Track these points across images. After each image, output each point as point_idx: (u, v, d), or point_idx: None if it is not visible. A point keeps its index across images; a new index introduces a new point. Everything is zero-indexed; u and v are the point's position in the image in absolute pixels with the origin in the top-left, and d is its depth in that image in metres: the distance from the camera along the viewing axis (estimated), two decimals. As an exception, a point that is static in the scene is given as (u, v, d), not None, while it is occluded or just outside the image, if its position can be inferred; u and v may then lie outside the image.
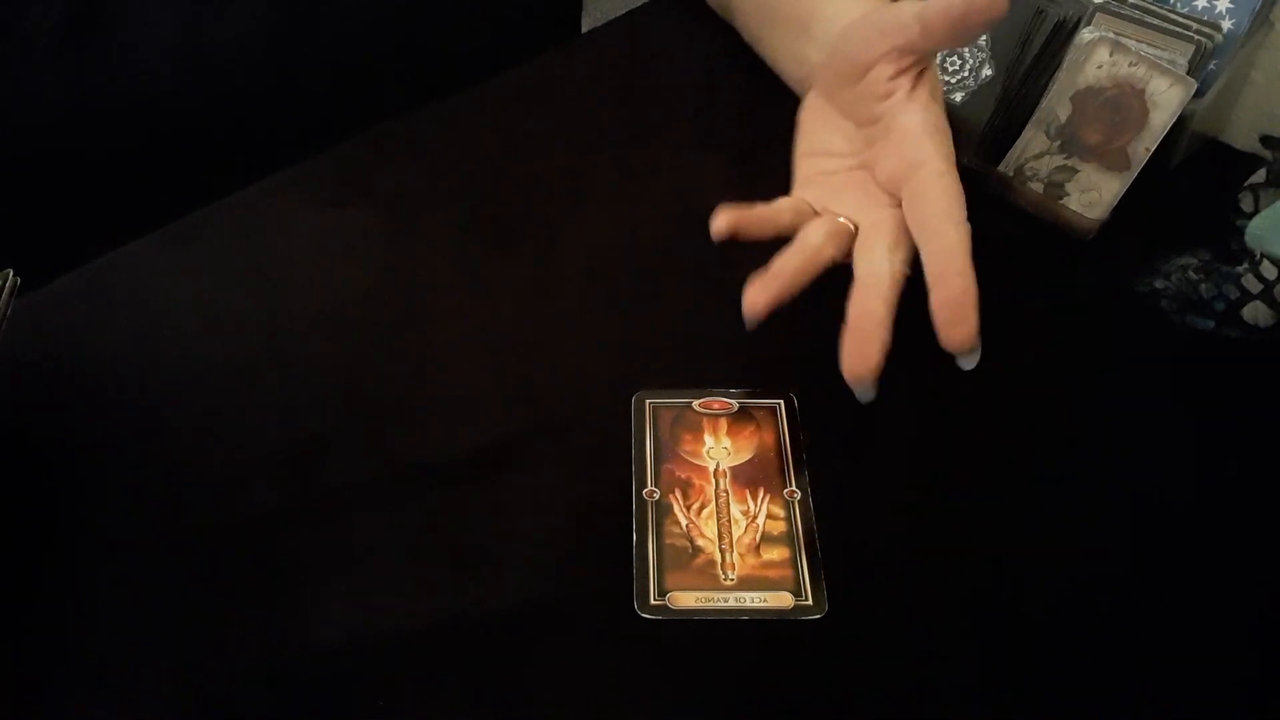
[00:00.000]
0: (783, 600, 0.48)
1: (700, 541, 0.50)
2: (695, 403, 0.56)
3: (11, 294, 0.48)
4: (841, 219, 0.56)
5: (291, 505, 0.51)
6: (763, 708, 0.46)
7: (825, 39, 0.61)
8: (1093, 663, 0.47)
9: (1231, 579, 0.50)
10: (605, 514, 0.51)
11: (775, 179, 0.61)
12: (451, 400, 0.56)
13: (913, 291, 0.63)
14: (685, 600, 0.48)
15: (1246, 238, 0.60)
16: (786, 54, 0.67)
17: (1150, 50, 0.63)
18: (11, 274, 0.48)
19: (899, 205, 0.55)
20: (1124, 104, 0.63)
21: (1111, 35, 0.64)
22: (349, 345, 0.58)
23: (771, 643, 0.47)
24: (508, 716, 0.45)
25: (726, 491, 0.52)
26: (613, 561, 0.49)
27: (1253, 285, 0.58)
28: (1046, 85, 0.65)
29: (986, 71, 0.66)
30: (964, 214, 0.53)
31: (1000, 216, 0.66)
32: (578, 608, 0.48)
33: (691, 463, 0.53)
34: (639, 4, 0.82)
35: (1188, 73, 0.62)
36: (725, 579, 0.49)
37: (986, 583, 0.50)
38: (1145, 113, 0.63)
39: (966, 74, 0.67)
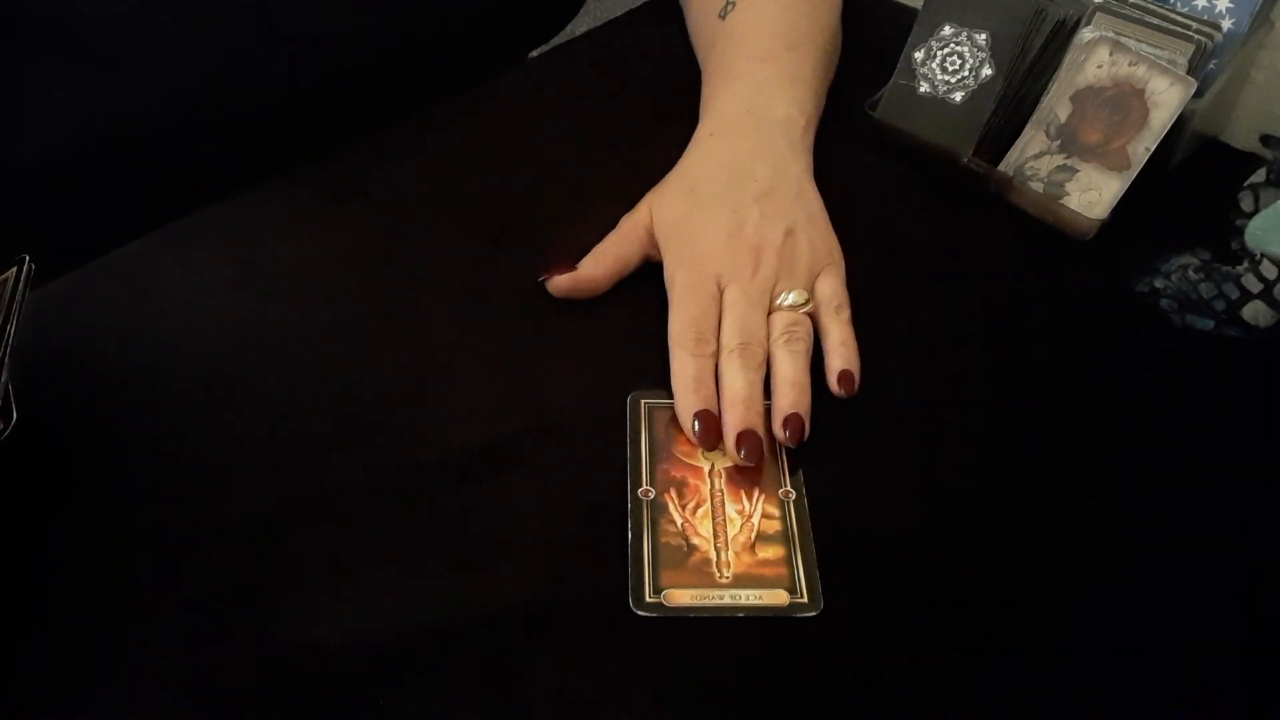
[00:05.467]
0: (778, 597, 0.48)
1: (695, 540, 0.50)
2: None
3: (28, 280, 0.49)
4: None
5: (291, 505, 0.51)
6: (759, 705, 0.46)
7: None
8: (1090, 661, 0.47)
9: (1232, 578, 0.50)
10: (602, 513, 0.51)
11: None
12: (450, 400, 0.56)
13: (909, 292, 0.63)
14: (681, 598, 0.48)
15: (1246, 237, 0.60)
16: None
17: (1150, 50, 0.63)
18: (27, 260, 0.49)
19: None
20: (1124, 104, 0.63)
21: (1111, 35, 0.63)
22: (348, 345, 0.59)
23: (767, 640, 0.47)
24: (506, 715, 0.45)
25: (721, 491, 0.52)
26: (609, 560, 0.49)
27: (1253, 285, 0.58)
28: (1046, 85, 0.65)
29: (986, 71, 0.66)
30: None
31: (1000, 216, 0.66)
32: (575, 606, 0.48)
33: (687, 463, 0.53)
34: (637, 4, 0.82)
35: (1188, 72, 0.62)
36: (720, 577, 0.49)
37: (982, 580, 0.50)
38: (1145, 112, 0.63)
39: (966, 74, 0.66)
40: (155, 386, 0.56)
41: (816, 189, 0.64)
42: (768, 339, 0.57)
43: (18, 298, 0.49)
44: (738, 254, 0.59)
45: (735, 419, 0.53)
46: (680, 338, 0.56)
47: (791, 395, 0.54)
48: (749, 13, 0.70)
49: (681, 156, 0.65)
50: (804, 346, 0.57)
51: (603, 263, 0.61)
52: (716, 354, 0.56)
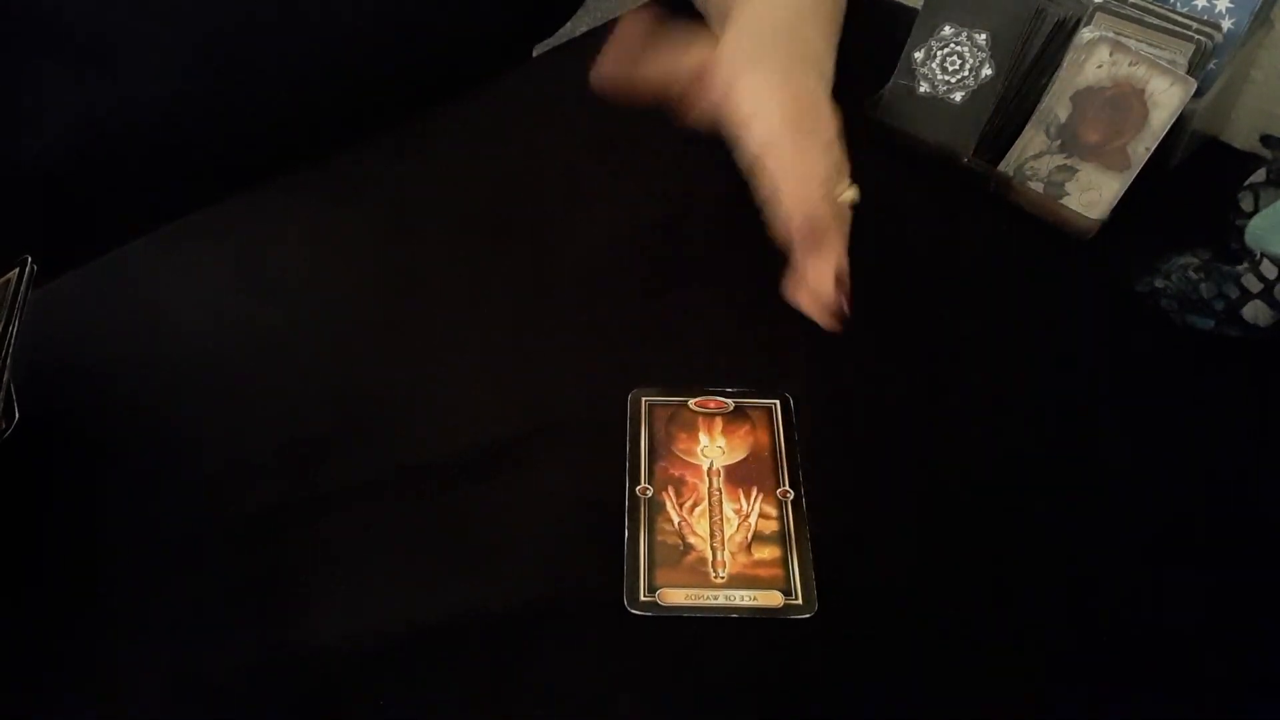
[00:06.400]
0: (772, 599, 0.48)
1: (692, 539, 0.50)
2: (691, 401, 0.56)
3: (30, 281, 0.50)
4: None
5: (291, 505, 0.51)
6: (751, 704, 0.46)
7: None
8: (1087, 662, 0.47)
9: (1231, 577, 0.50)
10: (601, 511, 0.51)
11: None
12: (450, 399, 0.56)
13: (909, 292, 0.63)
14: (675, 597, 0.48)
15: (1246, 237, 0.59)
16: None
17: (1150, 50, 0.63)
18: (29, 261, 0.50)
19: None
20: (1124, 103, 0.63)
21: (1111, 35, 0.63)
22: (348, 345, 0.59)
23: (761, 641, 0.47)
24: (502, 712, 0.45)
25: (719, 490, 0.52)
26: (607, 558, 0.49)
27: (1253, 284, 0.58)
28: (1046, 85, 0.65)
29: (986, 71, 0.66)
30: None
31: (1000, 216, 0.66)
32: (571, 605, 0.48)
33: (686, 461, 0.53)
34: (638, 4, 0.82)
35: (1188, 72, 0.62)
36: (715, 577, 0.49)
37: (979, 582, 0.50)
38: (1145, 112, 0.63)
39: (966, 74, 0.67)
40: (155, 386, 0.56)
41: None
42: None
43: (19, 299, 0.49)
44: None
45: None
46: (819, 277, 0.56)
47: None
48: None
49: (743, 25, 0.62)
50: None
51: (657, 79, 0.58)
52: None
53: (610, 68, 0.57)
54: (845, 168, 0.58)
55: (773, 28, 0.61)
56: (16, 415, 0.49)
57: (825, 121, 0.57)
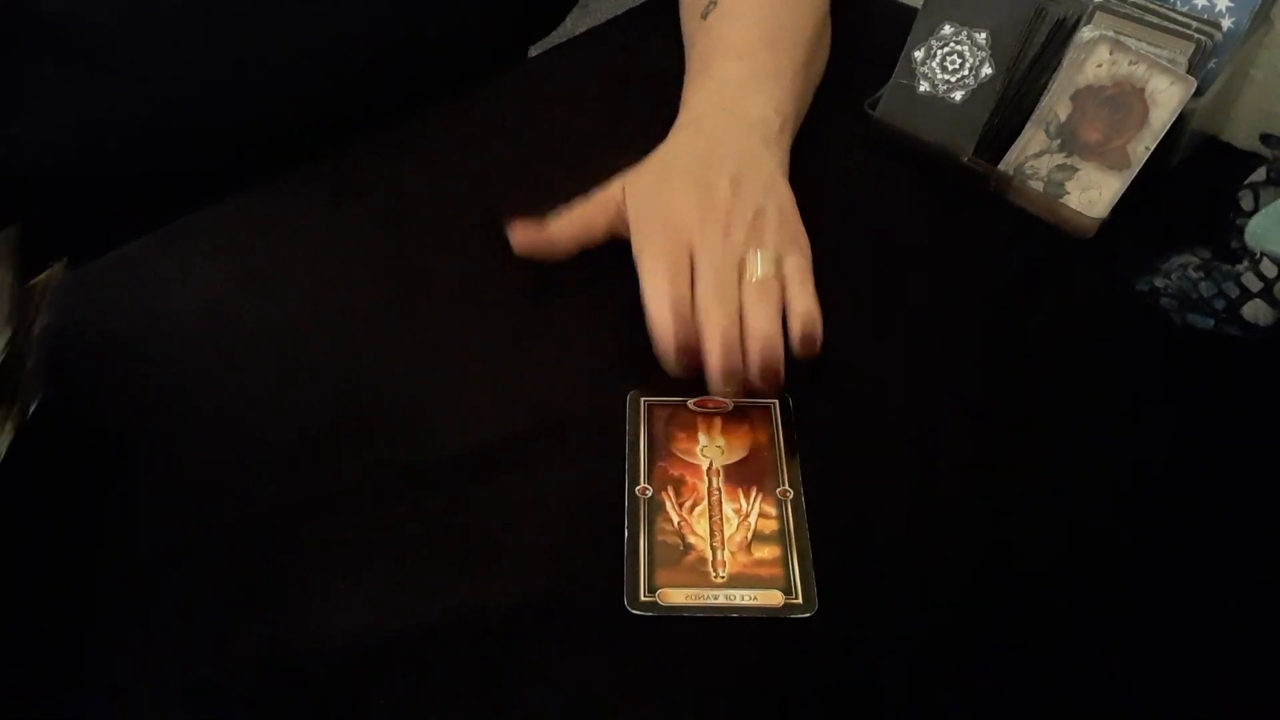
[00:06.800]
0: (773, 598, 0.48)
1: (691, 539, 0.50)
2: (690, 401, 0.56)
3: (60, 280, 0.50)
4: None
5: (291, 504, 0.51)
6: (752, 704, 0.46)
7: None
8: (1086, 662, 0.47)
9: (1230, 577, 0.50)
10: (601, 512, 0.51)
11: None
12: (450, 399, 0.56)
13: (909, 292, 0.63)
14: (675, 597, 0.48)
15: (1246, 236, 0.59)
16: None
17: (1150, 49, 0.63)
18: (67, 261, 0.50)
19: None
20: (1124, 102, 0.63)
21: (1112, 34, 0.63)
22: (348, 345, 0.59)
23: (761, 640, 0.47)
24: (502, 712, 0.45)
25: (719, 490, 0.52)
26: (606, 558, 0.49)
27: (1253, 283, 0.58)
28: (1046, 84, 0.65)
29: (986, 70, 0.66)
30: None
31: (1000, 216, 0.66)
32: (571, 605, 0.48)
33: (685, 461, 0.53)
34: (638, 3, 0.82)
35: (1188, 71, 0.62)
36: (716, 576, 0.49)
37: (979, 581, 0.50)
38: (1145, 111, 0.63)
39: (966, 73, 0.66)
40: (154, 386, 0.56)
41: (789, 187, 0.63)
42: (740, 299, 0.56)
43: (49, 298, 0.50)
44: (708, 224, 0.58)
45: (718, 356, 0.54)
46: (656, 293, 0.56)
47: (765, 344, 0.54)
48: (729, 12, 0.70)
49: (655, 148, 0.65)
50: (775, 302, 0.56)
51: (568, 227, 0.61)
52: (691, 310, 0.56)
53: (525, 237, 0.61)
54: (774, 242, 0.58)
55: (687, 150, 0.64)
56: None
57: (735, 212, 0.59)
